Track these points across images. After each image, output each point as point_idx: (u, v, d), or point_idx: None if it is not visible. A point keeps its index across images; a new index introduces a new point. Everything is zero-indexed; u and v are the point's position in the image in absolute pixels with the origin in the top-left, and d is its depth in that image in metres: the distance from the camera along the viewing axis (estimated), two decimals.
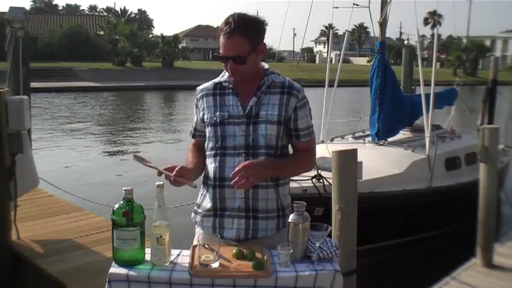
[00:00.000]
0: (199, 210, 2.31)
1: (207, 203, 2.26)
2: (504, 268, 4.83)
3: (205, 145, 2.29)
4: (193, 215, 2.34)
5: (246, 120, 2.18)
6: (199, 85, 2.37)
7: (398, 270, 6.33)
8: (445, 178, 7.42)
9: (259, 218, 2.19)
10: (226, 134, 2.19)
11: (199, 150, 2.35)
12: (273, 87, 2.23)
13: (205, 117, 2.26)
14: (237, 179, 2.02)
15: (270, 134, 2.18)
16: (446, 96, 9.38)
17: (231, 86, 2.24)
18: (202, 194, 2.33)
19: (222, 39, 2.14)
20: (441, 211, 7.15)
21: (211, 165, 2.24)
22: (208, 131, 2.24)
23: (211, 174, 2.24)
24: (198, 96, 2.32)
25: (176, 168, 2.10)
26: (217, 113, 2.22)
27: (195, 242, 2.26)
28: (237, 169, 2.04)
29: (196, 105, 2.34)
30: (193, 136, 2.41)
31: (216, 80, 2.32)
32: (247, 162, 2.08)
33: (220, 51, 2.16)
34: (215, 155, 2.22)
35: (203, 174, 2.32)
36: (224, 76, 2.29)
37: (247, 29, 2.12)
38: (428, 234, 7.13)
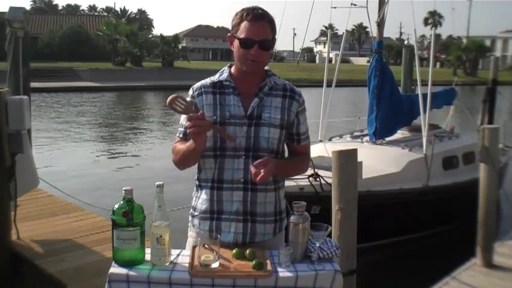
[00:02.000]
0: (196, 213, 2.26)
1: (203, 205, 2.21)
2: (504, 268, 4.83)
3: None
4: (190, 218, 2.30)
5: (248, 122, 2.13)
6: None
7: (398, 270, 6.33)
8: (442, 177, 7.44)
9: (257, 222, 2.17)
10: None
11: None
12: (274, 90, 2.19)
13: (205, 115, 2.13)
14: (260, 173, 1.97)
15: (273, 137, 2.15)
16: (445, 95, 9.41)
17: (232, 85, 2.16)
18: (196, 196, 2.28)
19: (246, 24, 2.07)
20: (438, 210, 7.17)
21: (208, 166, 2.18)
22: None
23: (208, 176, 2.19)
24: (196, 93, 2.20)
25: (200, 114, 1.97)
26: (218, 112, 2.13)
27: (188, 247, 2.25)
28: (258, 162, 2.00)
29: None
30: (186, 134, 2.11)
31: (214, 78, 2.22)
32: (266, 159, 2.03)
33: (245, 34, 2.07)
34: (214, 156, 2.15)
35: (196, 176, 2.28)
36: (223, 75, 2.20)
37: (271, 17, 2.13)
38: (424, 233, 7.16)
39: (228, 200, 2.15)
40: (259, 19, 2.08)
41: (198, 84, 2.24)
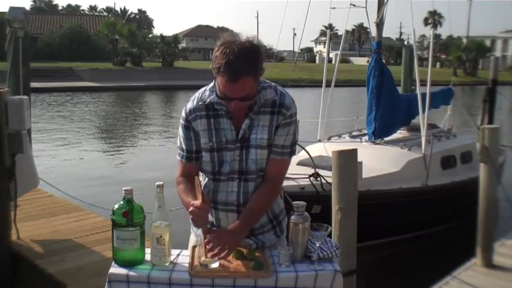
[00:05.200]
0: None
1: None
2: (504, 268, 4.83)
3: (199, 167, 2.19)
4: (191, 220, 2.31)
5: (240, 145, 2.11)
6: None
7: (398, 270, 6.33)
8: (441, 176, 7.48)
9: (257, 234, 2.21)
10: (223, 159, 2.13)
11: (193, 185, 2.05)
12: (264, 106, 2.09)
13: (201, 141, 2.13)
14: (214, 251, 1.89)
15: (261, 158, 2.12)
16: (443, 95, 9.45)
17: (224, 108, 2.08)
18: None
19: (223, 81, 1.91)
20: (437, 209, 7.20)
21: (205, 188, 2.17)
22: (204, 155, 2.15)
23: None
24: (190, 117, 2.12)
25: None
26: (213, 138, 2.11)
27: (190, 243, 2.26)
28: (209, 241, 1.91)
29: (187, 127, 2.14)
30: (189, 159, 2.17)
31: (205, 98, 2.10)
32: (217, 233, 1.98)
33: (223, 90, 1.95)
34: (213, 180, 2.17)
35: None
36: (213, 95, 2.06)
37: (251, 66, 1.92)
38: (423, 232, 7.18)
39: (223, 219, 2.20)
40: (237, 79, 1.89)
41: (190, 106, 2.14)
